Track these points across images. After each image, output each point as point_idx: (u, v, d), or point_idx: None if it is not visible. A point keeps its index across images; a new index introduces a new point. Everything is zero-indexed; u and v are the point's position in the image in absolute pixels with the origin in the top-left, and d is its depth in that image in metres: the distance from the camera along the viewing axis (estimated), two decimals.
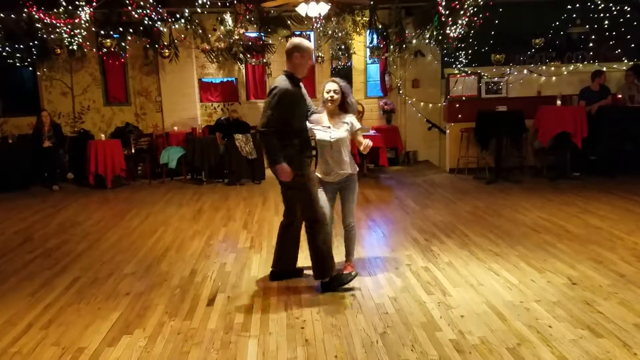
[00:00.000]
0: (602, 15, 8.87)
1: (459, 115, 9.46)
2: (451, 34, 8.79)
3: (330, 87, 4.29)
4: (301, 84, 4.33)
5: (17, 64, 9.65)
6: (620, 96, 8.77)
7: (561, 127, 8.20)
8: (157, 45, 9.67)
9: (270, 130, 4.05)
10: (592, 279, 4.28)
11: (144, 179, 9.78)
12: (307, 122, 4.33)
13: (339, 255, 4.68)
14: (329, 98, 4.26)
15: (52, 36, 9.23)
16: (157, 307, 4.02)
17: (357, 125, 4.36)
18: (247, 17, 9.33)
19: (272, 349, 3.33)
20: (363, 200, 7.38)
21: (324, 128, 4.32)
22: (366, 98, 10.95)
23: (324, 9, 7.72)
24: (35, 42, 9.43)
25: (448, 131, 9.67)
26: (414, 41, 9.98)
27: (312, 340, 3.41)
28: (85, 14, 8.79)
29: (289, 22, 9.89)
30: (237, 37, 9.45)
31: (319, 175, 4.43)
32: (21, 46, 9.44)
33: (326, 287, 4.24)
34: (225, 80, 10.79)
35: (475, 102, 9.38)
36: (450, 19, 8.70)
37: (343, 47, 10.28)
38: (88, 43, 9.46)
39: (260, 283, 4.47)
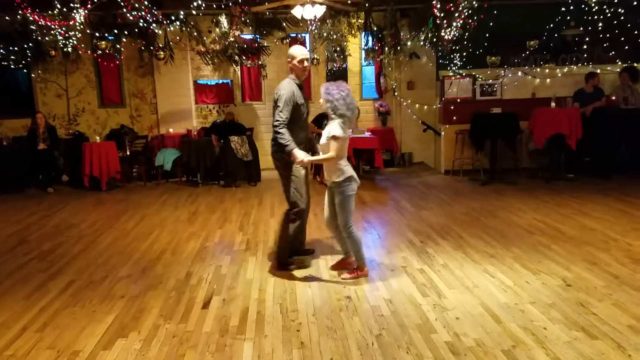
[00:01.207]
0: (596, 17, 8.91)
1: (454, 117, 9.49)
2: (446, 36, 8.80)
3: None
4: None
5: (12, 66, 9.62)
6: (614, 98, 8.81)
7: (556, 129, 8.23)
8: (152, 47, 9.64)
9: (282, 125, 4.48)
10: (587, 281, 4.29)
11: (139, 181, 9.76)
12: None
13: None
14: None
15: (46, 38, 9.18)
16: (152, 310, 4.01)
17: (332, 132, 4.23)
18: (243, 19, 9.31)
19: (268, 351, 3.33)
20: (358, 202, 7.37)
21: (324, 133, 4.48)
22: (361, 100, 10.95)
23: (319, 11, 7.73)
24: (30, 44, 9.39)
25: (443, 133, 9.70)
26: (409, 43, 10.01)
27: (307, 343, 3.41)
28: (80, 15, 8.75)
29: (284, 24, 9.90)
30: (232, 39, 9.44)
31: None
32: (16, 48, 9.40)
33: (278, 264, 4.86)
34: (220, 82, 10.78)
35: (470, 104, 9.41)
36: (445, 21, 8.72)
37: (338, 49, 10.29)
38: (83, 45, 9.41)
39: (255, 285, 4.46)
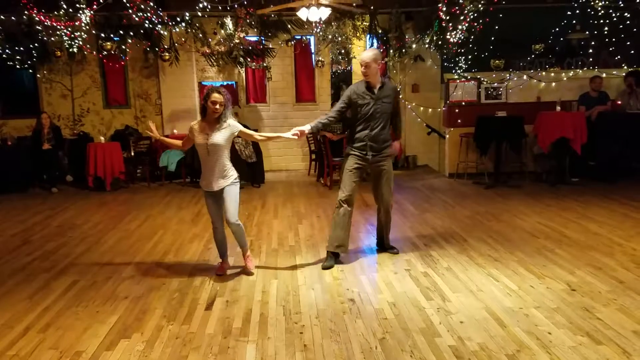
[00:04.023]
0: (601, 21, 8.90)
1: (459, 120, 9.47)
2: (451, 39, 8.81)
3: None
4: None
5: (17, 66, 9.65)
6: (619, 102, 8.78)
7: (561, 133, 8.21)
8: (157, 49, 9.67)
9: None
10: (591, 285, 4.27)
11: (143, 181, 9.77)
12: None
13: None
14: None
15: (52, 38, 9.24)
16: (156, 311, 4.01)
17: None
18: (248, 21, 9.34)
19: (271, 354, 3.31)
20: (362, 204, 7.37)
21: None
22: None
23: (324, 13, 7.74)
24: (36, 44, 9.44)
25: (447, 136, 9.68)
26: (414, 46, 10.02)
27: (310, 346, 3.40)
28: (85, 16, 8.80)
29: (289, 26, 9.93)
30: (237, 40, 9.46)
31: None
32: (21, 48, 9.45)
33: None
34: (225, 83, 10.80)
35: (474, 107, 9.40)
36: (450, 24, 8.72)
37: (343, 51, 10.30)
38: (88, 46, 9.45)
39: (259, 287, 4.46)
